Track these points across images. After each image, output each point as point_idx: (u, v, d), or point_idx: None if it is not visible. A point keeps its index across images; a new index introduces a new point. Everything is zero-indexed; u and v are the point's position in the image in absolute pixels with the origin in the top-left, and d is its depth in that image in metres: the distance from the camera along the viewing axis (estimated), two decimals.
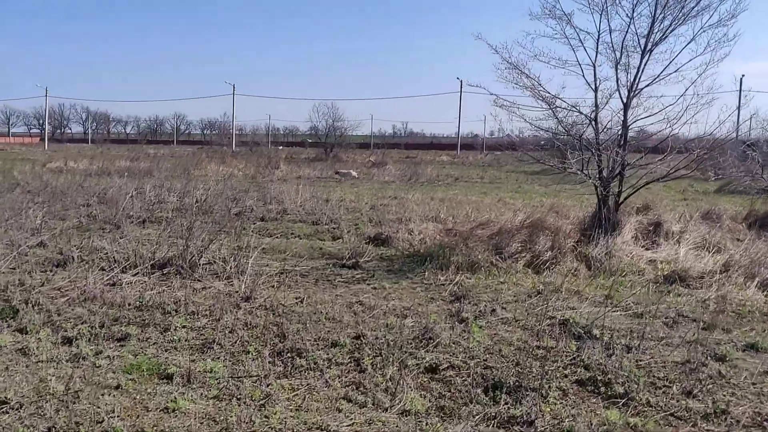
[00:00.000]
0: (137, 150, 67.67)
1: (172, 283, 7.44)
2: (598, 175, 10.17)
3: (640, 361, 5.35)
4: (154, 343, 5.47)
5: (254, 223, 12.84)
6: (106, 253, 8.55)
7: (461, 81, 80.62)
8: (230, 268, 8.01)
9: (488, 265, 8.85)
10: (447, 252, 9.36)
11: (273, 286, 7.62)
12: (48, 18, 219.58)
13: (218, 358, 5.20)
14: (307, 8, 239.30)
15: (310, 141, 66.96)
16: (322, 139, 55.74)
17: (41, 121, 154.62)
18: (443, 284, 7.93)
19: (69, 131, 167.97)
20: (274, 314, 6.30)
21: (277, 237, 11.55)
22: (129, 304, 6.41)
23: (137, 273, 7.81)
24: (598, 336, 5.97)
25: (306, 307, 6.68)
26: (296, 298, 7.04)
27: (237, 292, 7.09)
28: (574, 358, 5.34)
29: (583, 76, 9.94)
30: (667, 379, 4.94)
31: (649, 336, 6.04)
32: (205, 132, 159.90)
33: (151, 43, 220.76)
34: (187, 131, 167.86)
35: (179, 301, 6.54)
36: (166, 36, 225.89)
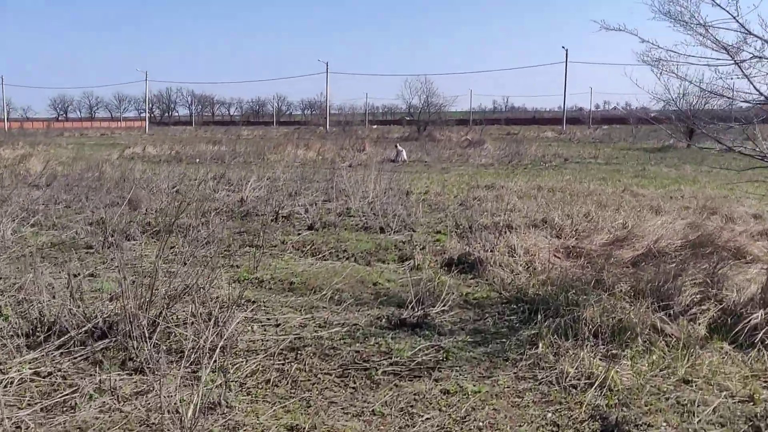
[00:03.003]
0: (231, 132, 67.04)
1: (86, 379, 4.27)
2: None
3: None
4: None
5: (299, 233, 9.61)
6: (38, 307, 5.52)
7: (566, 50, 74.68)
8: (205, 342, 4.74)
9: (648, 329, 5.13)
10: (573, 298, 5.72)
11: (266, 383, 4.32)
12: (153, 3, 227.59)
13: None
14: None
15: (408, 119, 63.47)
16: (416, 116, 52.16)
17: (151, 106, 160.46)
18: (574, 384, 4.31)
19: (176, 114, 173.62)
20: None
21: (324, 257, 8.26)
22: None
23: (54, 349, 4.73)
24: None
25: None
26: (288, 430, 3.68)
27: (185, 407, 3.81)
28: None
29: None
30: None
31: None
32: (305, 112, 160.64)
33: (252, 24, 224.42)
34: (288, 112, 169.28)
35: None
36: (265, 17, 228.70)
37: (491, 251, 7.84)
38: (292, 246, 8.79)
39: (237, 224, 10.41)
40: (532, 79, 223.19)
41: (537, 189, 15.05)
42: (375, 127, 75.63)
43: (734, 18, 5.79)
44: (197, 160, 25.40)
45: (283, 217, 10.98)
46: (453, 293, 6.33)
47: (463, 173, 19.91)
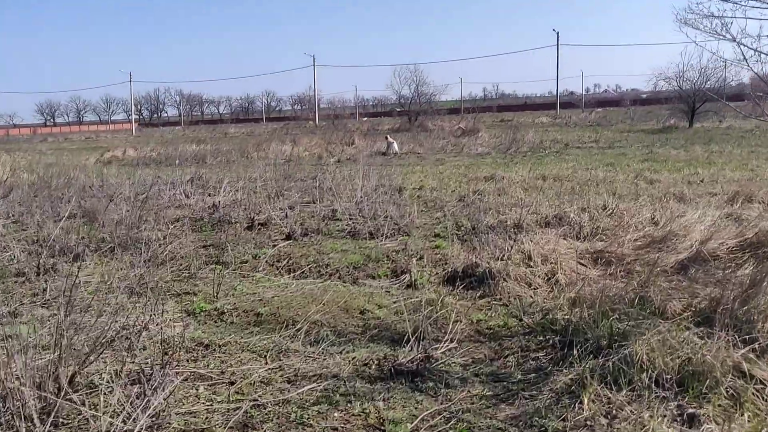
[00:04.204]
0: (218, 130, 65.48)
1: None
2: None
3: None
4: None
5: (275, 245, 8.23)
6: None
7: (557, 33, 73.47)
8: (125, 421, 3.39)
9: (729, 371, 3.79)
10: (617, 327, 4.37)
11: None
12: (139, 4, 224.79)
13: None
14: None
15: (399, 110, 62.02)
16: (407, 107, 50.72)
17: (140, 107, 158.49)
18: None
19: (165, 115, 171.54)
20: None
21: (302, 274, 6.90)
22: None
23: None
24: None
25: None
26: None
27: None
28: None
29: None
30: None
31: None
32: (294, 108, 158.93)
33: (238, 19, 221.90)
34: (278, 108, 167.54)
35: None
36: (251, 11, 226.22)
37: (503, 258, 6.51)
38: (266, 261, 7.43)
39: (205, 235, 9.04)
40: (522, 65, 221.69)
41: (542, 179, 13.74)
42: (365, 119, 74.19)
43: None
44: (177, 161, 23.93)
45: (259, 224, 9.61)
46: (461, 321, 5.01)
47: (459, 164, 18.54)
